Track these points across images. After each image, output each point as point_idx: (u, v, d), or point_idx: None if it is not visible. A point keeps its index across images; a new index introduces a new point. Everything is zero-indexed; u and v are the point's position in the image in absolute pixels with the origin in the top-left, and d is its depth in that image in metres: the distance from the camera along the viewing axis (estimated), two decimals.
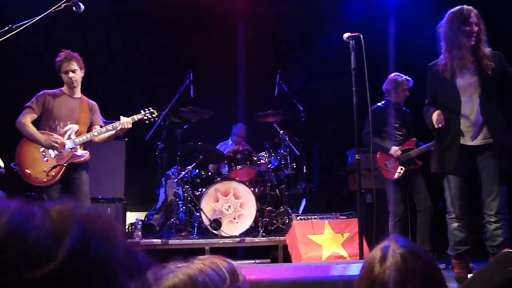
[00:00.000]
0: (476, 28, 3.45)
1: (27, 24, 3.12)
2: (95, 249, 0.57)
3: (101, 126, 4.33)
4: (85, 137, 4.14)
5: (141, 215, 6.08)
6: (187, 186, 5.58)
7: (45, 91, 4.21)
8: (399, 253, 1.22)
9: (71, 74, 4.14)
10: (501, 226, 3.40)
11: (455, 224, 3.58)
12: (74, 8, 3.44)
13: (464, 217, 3.54)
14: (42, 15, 3.24)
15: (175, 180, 5.90)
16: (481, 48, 3.47)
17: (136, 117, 4.31)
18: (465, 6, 3.51)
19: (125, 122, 4.17)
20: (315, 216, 5.07)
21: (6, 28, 3.05)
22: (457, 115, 3.53)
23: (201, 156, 5.88)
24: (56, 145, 4.01)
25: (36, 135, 4.04)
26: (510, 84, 3.48)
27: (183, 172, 5.71)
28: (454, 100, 3.53)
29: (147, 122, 4.50)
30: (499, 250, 3.28)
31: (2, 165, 4.31)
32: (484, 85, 3.45)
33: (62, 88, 4.26)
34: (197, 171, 5.94)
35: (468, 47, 3.48)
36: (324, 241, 4.84)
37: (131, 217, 5.96)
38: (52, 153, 4.05)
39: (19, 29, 3.07)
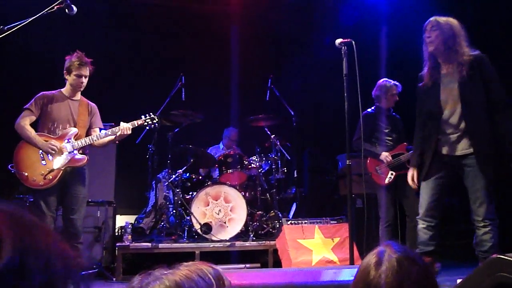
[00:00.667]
0: (430, 34, 3.53)
1: (19, 26, 3.11)
2: (32, 261, 0.56)
3: (100, 129, 4.29)
4: (84, 141, 4.10)
5: (131, 219, 6.05)
6: (178, 190, 5.56)
7: (44, 92, 4.17)
8: (395, 257, 1.21)
9: (83, 79, 4.13)
10: (489, 231, 3.42)
11: (421, 225, 3.66)
12: (66, 10, 3.44)
13: (431, 219, 3.62)
14: (34, 17, 3.23)
15: (166, 184, 5.88)
16: (459, 55, 3.49)
17: (136, 123, 4.29)
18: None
19: (125, 128, 4.14)
20: (306, 221, 5.08)
21: None
22: (437, 126, 3.57)
23: (192, 160, 5.88)
24: (53, 151, 3.98)
25: (34, 139, 4.00)
26: (489, 92, 3.48)
27: (174, 176, 5.69)
28: (436, 112, 3.57)
29: (147, 128, 4.49)
30: (487, 255, 3.32)
31: None
32: (464, 96, 3.47)
33: (61, 90, 4.22)
34: (187, 174, 5.93)
35: (436, 54, 3.57)
36: (315, 246, 4.85)
37: (121, 220, 5.93)
38: (50, 156, 4.02)
39: (10, 31, 3.05)
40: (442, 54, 3.55)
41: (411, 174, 3.75)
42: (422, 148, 3.72)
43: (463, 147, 3.52)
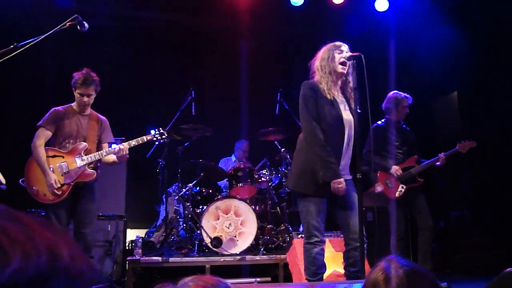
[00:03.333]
0: (346, 54, 3.54)
1: (32, 43, 3.16)
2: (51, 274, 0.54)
3: (110, 143, 4.27)
4: (93, 156, 4.11)
5: (142, 233, 6.06)
6: (188, 204, 5.57)
7: (56, 108, 4.19)
8: (403, 271, 1.19)
9: (85, 98, 4.10)
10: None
11: (317, 249, 3.44)
12: (78, 27, 3.49)
13: (324, 241, 3.50)
14: (46, 34, 3.28)
15: (176, 198, 5.89)
16: (348, 81, 3.57)
17: (145, 138, 4.25)
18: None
19: (120, 149, 4.08)
20: None
21: (12, 46, 3.09)
22: (342, 145, 3.51)
23: (202, 174, 5.89)
24: (52, 192, 3.96)
25: (43, 165, 3.98)
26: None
27: (184, 190, 5.70)
28: (340, 134, 3.51)
29: (156, 143, 4.48)
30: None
31: (4, 181, 4.31)
32: (355, 121, 3.51)
33: (72, 104, 4.24)
34: (198, 188, 5.94)
35: (340, 75, 3.57)
36: (325, 260, 4.80)
37: (132, 234, 5.94)
38: (60, 171, 4.04)
39: (24, 48, 3.10)
40: (341, 77, 3.61)
41: None
42: None
43: (349, 171, 3.59)
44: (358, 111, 3.52)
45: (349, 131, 3.53)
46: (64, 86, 4.30)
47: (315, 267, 3.46)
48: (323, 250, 3.47)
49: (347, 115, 3.54)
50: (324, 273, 3.53)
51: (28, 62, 5.29)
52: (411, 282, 1.17)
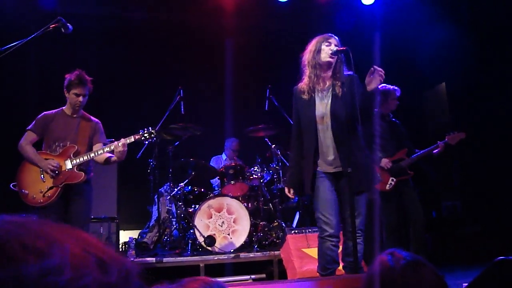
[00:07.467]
0: (334, 47, 3.47)
1: (16, 46, 3.12)
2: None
3: (103, 144, 4.23)
4: (82, 158, 4.08)
5: (135, 234, 6.04)
6: (180, 203, 5.55)
7: (45, 112, 4.19)
8: (406, 262, 1.20)
9: (81, 99, 4.10)
10: (360, 242, 3.40)
11: (327, 243, 3.43)
12: (62, 29, 3.46)
13: (337, 235, 3.45)
14: (30, 37, 3.24)
15: (168, 197, 5.87)
16: (337, 73, 3.51)
17: (133, 137, 4.19)
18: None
19: (115, 145, 4.06)
20: (309, 230, 5.06)
21: None
22: (314, 142, 3.50)
23: (193, 173, 5.87)
24: (52, 172, 3.97)
25: (34, 157, 4.02)
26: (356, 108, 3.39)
27: (176, 189, 5.69)
28: (312, 131, 3.51)
29: (145, 142, 4.45)
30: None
31: None
32: (335, 113, 3.45)
33: (63, 108, 4.23)
34: (189, 187, 5.92)
35: (326, 66, 3.53)
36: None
37: (125, 235, 5.92)
38: (49, 174, 4.02)
39: (6, 52, 3.06)
40: (328, 68, 3.56)
41: None
42: None
43: (338, 164, 3.51)
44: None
45: (323, 125, 3.48)
46: (49, 89, 4.27)
47: (325, 262, 3.45)
48: (335, 246, 3.42)
49: (323, 107, 3.50)
50: (335, 268, 3.50)
51: (13, 66, 5.24)
52: (415, 272, 1.18)
